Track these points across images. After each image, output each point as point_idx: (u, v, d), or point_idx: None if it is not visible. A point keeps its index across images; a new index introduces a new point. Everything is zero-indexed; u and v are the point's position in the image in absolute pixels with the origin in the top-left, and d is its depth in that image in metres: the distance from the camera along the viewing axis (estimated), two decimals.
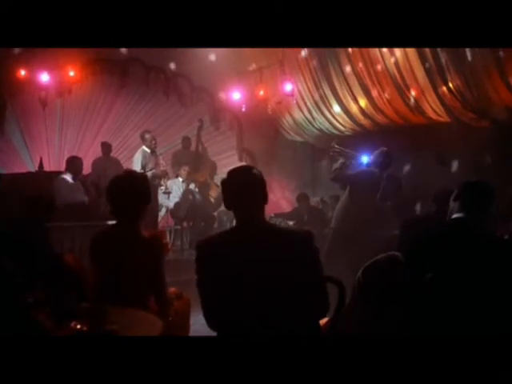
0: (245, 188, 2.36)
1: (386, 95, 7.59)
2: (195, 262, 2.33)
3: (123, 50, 8.62)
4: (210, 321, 2.30)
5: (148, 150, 7.78)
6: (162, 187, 8.01)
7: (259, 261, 2.24)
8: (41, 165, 8.06)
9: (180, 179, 8.55)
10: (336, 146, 5.98)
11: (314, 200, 9.10)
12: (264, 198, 2.37)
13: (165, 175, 8.01)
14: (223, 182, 2.41)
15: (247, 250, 2.28)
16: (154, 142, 7.82)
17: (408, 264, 2.73)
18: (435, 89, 6.77)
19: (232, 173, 2.42)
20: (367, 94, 7.85)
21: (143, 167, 7.61)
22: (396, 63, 7.08)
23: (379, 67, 7.39)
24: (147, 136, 7.83)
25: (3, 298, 1.88)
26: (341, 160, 5.79)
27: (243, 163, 10.02)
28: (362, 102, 8.09)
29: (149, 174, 7.32)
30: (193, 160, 8.89)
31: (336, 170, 5.80)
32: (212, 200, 8.77)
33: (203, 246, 2.36)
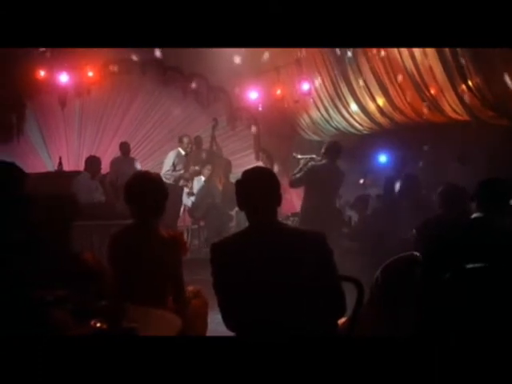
0: (257, 189, 2.35)
1: (404, 94, 7.53)
2: (210, 265, 2.34)
3: (141, 51, 8.67)
4: (228, 322, 2.30)
5: (183, 152, 8.07)
6: (187, 189, 8.16)
7: (273, 262, 2.24)
8: (60, 164, 8.15)
9: (202, 178, 8.61)
10: (296, 155, 6.20)
11: None
12: (277, 200, 2.36)
13: (197, 175, 8.22)
14: (237, 183, 2.41)
15: (260, 251, 2.28)
16: (190, 145, 8.16)
17: (426, 264, 2.71)
18: (454, 87, 6.69)
19: (245, 173, 2.42)
20: (385, 92, 7.79)
21: (174, 166, 7.78)
22: (414, 61, 7.02)
23: (397, 65, 7.34)
24: (185, 139, 8.16)
25: (23, 296, 1.90)
26: (300, 166, 5.92)
27: (260, 162, 10.02)
28: (380, 101, 8.03)
29: (177, 174, 7.50)
30: (207, 159, 8.93)
31: (291, 176, 6.00)
32: (227, 199, 8.78)
33: (217, 249, 2.36)
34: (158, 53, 8.98)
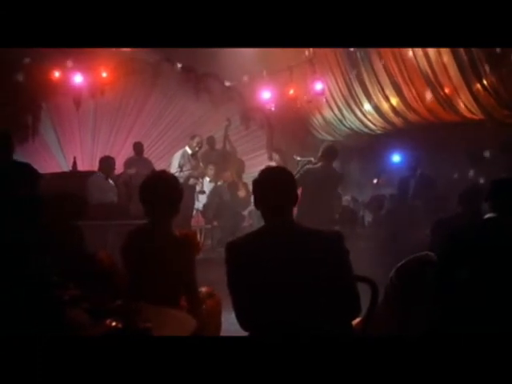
0: (273, 189, 2.36)
1: (419, 93, 7.49)
2: (225, 264, 2.34)
3: (154, 51, 8.70)
4: (242, 321, 2.30)
5: (189, 152, 8.00)
6: (198, 187, 8.14)
7: (287, 262, 2.24)
8: (74, 164, 8.21)
9: (207, 179, 8.61)
10: (295, 158, 6.43)
11: (345, 199, 9.02)
12: (293, 200, 2.37)
13: (202, 176, 8.19)
14: (254, 182, 2.42)
15: (275, 251, 2.28)
16: (198, 145, 8.10)
17: (441, 264, 2.70)
18: (469, 86, 6.65)
19: (263, 173, 2.44)
20: (399, 92, 7.76)
21: (181, 167, 7.75)
22: (429, 60, 6.98)
23: (411, 65, 7.30)
24: (195, 139, 8.11)
25: (39, 295, 1.92)
26: (298, 168, 6.09)
27: (273, 162, 10.00)
28: (394, 101, 8.00)
29: (185, 174, 7.47)
30: (220, 159, 8.93)
31: None
32: (240, 199, 8.78)
33: (232, 248, 2.37)
34: (171, 53, 9.00)
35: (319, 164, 5.85)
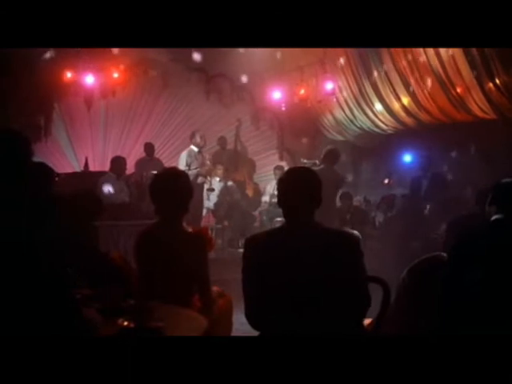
0: (294, 190, 2.37)
1: (430, 93, 7.45)
2: (242, 259, 2.36)
3: (165, 51, 8.72)
4: (252, 319, 2.31)
5: (195, 149, 7.98)
6: (207, 185, 8.12)
7: (303, 261, 2.25)
8: (86, 165, 8.25)
9: (217, 179, 8.61)
10: (302, 160, 6.99)
11: (357, 199, 9.00)
12: (315, 201, 2.37)
13: (210, 173, 8.17)
14: (278, 180, 2.47)
15: (292, 249, 2.28)
16: (203, 141, 8.05)
17: (452, 265, 2.68)
18: (481, 85, 6.60)
19: (287, 173, 2.50)
20: (410, 91, 7.72)
21: (188, 165, 7.74)
22: (440, 59, 6.94)
23: (422, 64, 7.26)
24: (197, 135, 8.08)
25: (52, 295, 1.93)
26: None
27: (284, 162, 10.01)
28: (405, 100, 7.95)
29: (193, 172, 7.46)
30: (231, 159, 8.93)
31: None
32: (251, 199, 8.78)
33: (250, 244, 2.38)
34: (181, 53, 9.02)
35: (321, 166, 6.05)
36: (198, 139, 8.03)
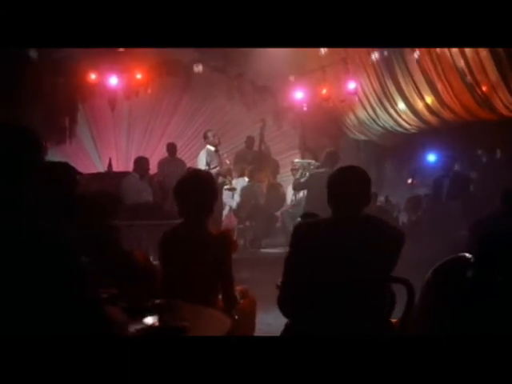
0: (343, 189, 2.41)
1: (454, 91, 7.36)
2: (290, 239, 2.44)
3: (187, 52, 8.76)
4: (284, 306, 2.35)
5: (212, 148, 7.95)
6: (227, 186, 8.12)
7: (350, 255, 2.31)
8: (110, 165, 8.34)
9: (246, 179, 8.61)
10: (295, 161, 7.48)
11: (379, 199, 8.94)
12: (364, 200, 2.41)
13: (229, 173, 8.16)
14: (329, 178, 2.47)
15: (337, 243, 2.34)
16: (217, 139, 7.99)
17: (478, 265, 2.65)
18: (506, 82, 6.50)
19: (338, 171, 2.51)
20: (434, 90, 7.64)
21: (208, 165, 7.75)
22: (464, 57, 6.85)
23: (446, 62, 7.18)
24: (209, 134, 8.03)
25: (79, 293, 1.95)
26: (300, 170, 7.12)
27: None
28: (428, 99, 7.88)
29: (213, 171, 7.46)
30: (255, 159, 8.93)
31: (295, 180, 7.20)
32: (274, 200, 8.77)
33: (300, 231, 2.44)
34: (204, 54, 9.06)
35: (322, 169, 6.45)
36: (211, 138, 7.96)
